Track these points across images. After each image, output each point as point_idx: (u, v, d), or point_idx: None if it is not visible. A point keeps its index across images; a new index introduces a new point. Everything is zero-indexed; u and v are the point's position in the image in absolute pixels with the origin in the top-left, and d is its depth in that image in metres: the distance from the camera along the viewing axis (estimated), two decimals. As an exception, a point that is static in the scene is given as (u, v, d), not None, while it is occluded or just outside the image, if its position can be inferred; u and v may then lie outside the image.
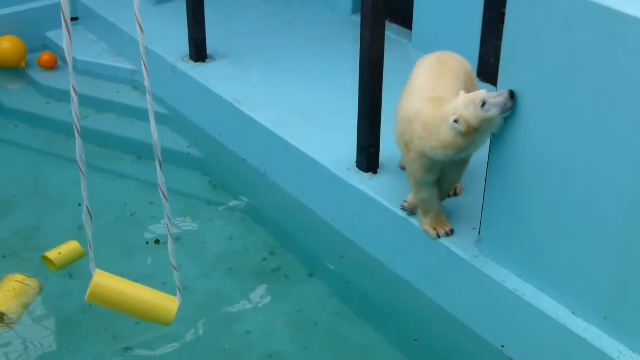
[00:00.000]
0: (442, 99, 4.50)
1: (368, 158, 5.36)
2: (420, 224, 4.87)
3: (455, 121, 4.22)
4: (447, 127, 4.28)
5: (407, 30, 7.28)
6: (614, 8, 3.57)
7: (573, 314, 4.24)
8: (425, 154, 4.49)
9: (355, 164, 5.49)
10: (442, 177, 4.73)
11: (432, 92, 4.60)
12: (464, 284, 4.74)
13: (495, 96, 4.15)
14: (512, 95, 4.10)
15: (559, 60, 3.85)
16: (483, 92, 4.21)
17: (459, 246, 4.75)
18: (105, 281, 3.78)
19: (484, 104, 4.15)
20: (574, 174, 3.96)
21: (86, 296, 3.77)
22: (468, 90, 4.54)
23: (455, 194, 5.09)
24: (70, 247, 4.62)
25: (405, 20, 7.30)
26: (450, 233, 4.81)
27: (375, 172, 5.40)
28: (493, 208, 4.48)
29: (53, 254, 4.60)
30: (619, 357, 4.00)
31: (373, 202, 5.21)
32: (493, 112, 4.15)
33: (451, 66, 4.86)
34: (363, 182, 5.36)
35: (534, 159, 4.14)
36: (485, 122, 4.19)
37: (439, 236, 4.80)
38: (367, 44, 5.08)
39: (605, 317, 4.08)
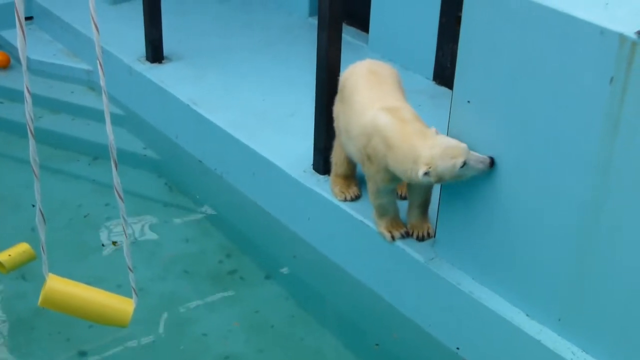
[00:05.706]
0: (397, 109, 4.46)
1: (324, 160, 5.37)
2: (376, 226, 4.89)
3: (426, 173, 4.15)
4: (416, 170, 4.18)
5: (364, 33, 7.30)
6: (567, 12, 3.61)
7: (527, 316, 4.27)
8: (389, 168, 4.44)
9: (311, 166, 5.49)
10: (411, 190, 4.75)
11: (383, 102, 4.54)
12: (420, 286, 4.76)
13: (476, 159, 4.09)
14: (493, 163, 4.09)
15: (514, 64, 3.88)
16: (464, 148, 4.09)
17: (414, 248, 4.77)
18: (58, 286, 3.71)
19: (464, 164, 4.10)
20: (528, 177, 3.99)
21: (39, 301, 3.71)
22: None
23: (428, 235, 4.79)
24: (20, 249, 4.54)
25: (362, 23, 7.32)
26: (406, 235, 4.83)
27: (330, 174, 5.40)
28: (448, 210, 4.50)
29: (3, 256, 4.52)
30: (572, 359, 4.04)
31: (329, 204, 5.21)
32: (469, 173, 4.13)
33: (385, 75, 4.83)
34: (319, 184, 5.36)
35: (489, 162, 4.17)
36: (458, 177, 4.17)
37: (394, 238, 4.82)
38: (324, 46, 5.08)
39: (559, 319, 4.12)
